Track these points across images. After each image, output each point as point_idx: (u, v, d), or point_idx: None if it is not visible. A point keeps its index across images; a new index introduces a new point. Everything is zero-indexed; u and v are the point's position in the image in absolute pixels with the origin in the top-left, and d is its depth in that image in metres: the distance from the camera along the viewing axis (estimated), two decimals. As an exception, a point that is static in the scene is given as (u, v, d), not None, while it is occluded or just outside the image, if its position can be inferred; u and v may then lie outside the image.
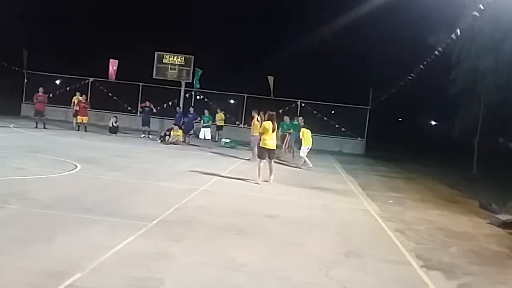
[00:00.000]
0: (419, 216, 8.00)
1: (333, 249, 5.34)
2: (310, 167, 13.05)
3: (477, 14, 10.27)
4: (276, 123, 10.19)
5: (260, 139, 10.09)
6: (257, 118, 13.37)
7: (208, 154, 15.07)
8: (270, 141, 9.90)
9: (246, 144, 18.10)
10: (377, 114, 23.94)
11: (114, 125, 18.89)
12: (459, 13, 14.01)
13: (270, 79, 23.01)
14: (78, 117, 18.65)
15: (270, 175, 9.92)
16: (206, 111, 19.71)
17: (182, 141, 17.56)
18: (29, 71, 24.28)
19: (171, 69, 22.28)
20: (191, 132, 19.34)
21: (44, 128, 17.68)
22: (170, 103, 22.94)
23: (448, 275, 4.82)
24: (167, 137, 17.35)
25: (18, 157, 9.72)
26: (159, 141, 17.49)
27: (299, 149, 15.62)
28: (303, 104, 23.14)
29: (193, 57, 22.35)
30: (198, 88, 23.27)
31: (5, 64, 22.27)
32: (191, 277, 4.01)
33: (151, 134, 19.17)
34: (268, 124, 9.85)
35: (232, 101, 26.60)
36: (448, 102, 22.10)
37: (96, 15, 35.95)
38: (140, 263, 4.14)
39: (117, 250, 4.41)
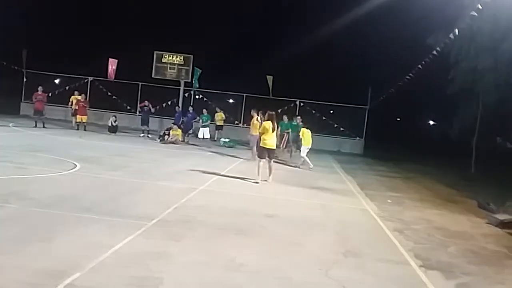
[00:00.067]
0: (417, 215, 8.02)
1: (332, 249, 5.35)
2: (311, 168, 13.06)
3: (475, 14, 10.29)
4: (276, 122, 10.23)
5: (260, 139, 10.12)
6: (257, 118, 13.39)
7: (207, 154, 15.08)
8: (270, 140, 9.94)
9: (245, 144, 18.12)
10: (375, 113, 23.97)
11: (114, 124, 18.89)
12: (458, 13, 14.02)
13: (269, 78, 23.02)
14: (78, 116, 18.65)
15: (269, 175, 9.95)
16: (204, 110, 19.71)
17: (181, 141, 17.56)
18: (28, 70, 24.26)
19: (170, 68, 22.30)
20: (190, 131, 19.34)
21: (44, 127, 17.68)
22: (169, 102, 22.92)
23: (447, 275, 4.84)
24: (166, 137, 17.34)
25: (18, 156, 9.72)
26: (158, 140, 17.50)
27: (297, 148, 15.69)
28: (302, 104, 23.15)
29: (192, 56, 22.37)
30: (197, 88, 23.27)
31: (5, 63, 22.26)
32: (190, 277, 4.02)
33: (150, 134, 19.17)
34: (268, 124, 9.88)
35: (231, 101, 26.60)
36: (447, 102, 22.14)
37: (96, 14, 35.95)
38: (140, 263, 4.14)
39: (116, 249, 4.42)
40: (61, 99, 21.89)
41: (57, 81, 25.56)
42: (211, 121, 20.33)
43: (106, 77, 22.92)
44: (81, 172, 8.72)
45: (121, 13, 36.04)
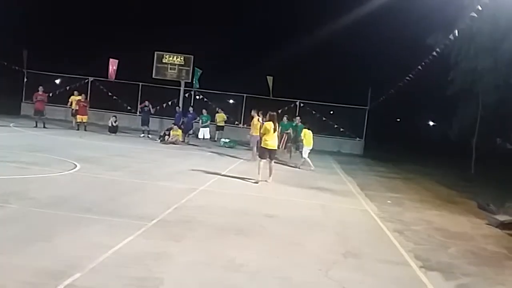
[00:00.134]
0: (417, 216, 8.03)
1: (332, 249, 5.36)
2: (312, 169, 13.05)
3: (475, 15, 10.29)
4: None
5: (261, 139, 10.14)
6: (258, 118, 13.41)
7: (208, 154, 15.08)
8: (271, 141, 9.97)
9: (246, 144, 18.13)
10: (375, 114, 23.96)
11: (114, 124, 18.90)
12: (458, 13, 14.03)
13: (269, 79, 23.02)
14: (78, 116, 18.66)
15: (270, 175, 9.97)
16: (204, 110, 19.71)
17: (182, 141, 17.57)
18: (29, 71, 24.26)
19: (170, 69, 22.31)
20: (191, 132, 19.35)
21: (44, 127, 17.68)
22: (169, 102, 22.93)
23: (447, 276, 4.84)
24: (166, 137, 17.35)
25: (18, 156, 9.72)
26: (159, 140, 17.50)
27: (296, 149, 15.72)
28: (302, 104, 23.14)
29: (192, 57, 22.38)
30: (197, 88, 23.27)
31: (5, 63, 22.26)
32: (190, 277, 4.02)
33: (151, 134, 19.18)
34: (269, 125, 9.91)
35: (231, 101, 26.60)
36: (447, 102, 22.14)
37: (96, 14, 35.98)
38: (140, 263, 4.15)
39: (116, 249, 4.42)
40: (62, 99, 21.89)
41: (57, 81, 25.57)
42: (212, 121, 20.35)
43: (107, 77, 22.91)
44: (81, 172, 8.72)
45: (121, 13, 36.13)
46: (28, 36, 29.17)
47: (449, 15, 15.08)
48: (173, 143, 16.91)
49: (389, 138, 33.39)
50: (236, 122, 23.73)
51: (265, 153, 9.97)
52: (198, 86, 23.04)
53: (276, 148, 10.31)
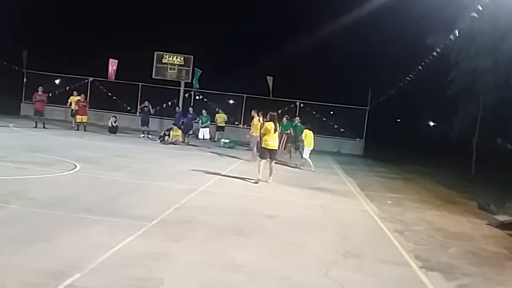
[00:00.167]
0: (417, 217, 8.02)
1: (332, 250, 5.35)
2: (312, 170, 13.04)
3: (475, 15, 10.29)
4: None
5: (262, 140, 10.15)
6: (258, 118, 13.40)
7: (207, 154, 15.08)
8: (272, 141, 9.98)
9: (246, 144, 18.12)
10: (376, 114, 23.95)
11: (114, 125, 18.89)
12: (458, 13, 14.03)
13: (269, 79, 23.01)
14: (78, 116, 18.65)
15: (270, 175, 9.97)
16: (204, 111, 19.70)
17: (182, 141, 17.56)
18: (28, 71, 24.24)
19: (170, 69, 22.29)
20: (191, 132, 19.34)
21: (44, 127, 17.67)
22: (169, 103, 22.91)
23: (447, 276, 4.84)
24: (166, 137, 17.35)
25: (18, 157, 9.72)
26: (159, 141, 17.49)
27: (296, 149, 15.71)
28: (302, 105, 23.13)
29: (192, 57, 22.36)
30: (197, 88, 23.27)
31: (5, 64, 22.25)
32: (190, 277, 4.02)
33: (151, 134, 19.17)
34: (270, 125, 9.92)
35: (231, 101, 26.60)
36: (447, 102, 22.14)
37: (96, 14, 36.00)
38: (140, 263, 4.14)
39: (116, 250, 4.42)
40: (61, 99, 21.88)
41: (57, 81, 25.56)
42: (212, 122, 20.33)
43: (106, 78, 22.90)
44: (81, 172, 8.71)
45: (121, 13, 36.14)
46: (28, 36, 29.20)
47: (450, 15, 15.09)
48: (173, 143, 16.90)
49: (389, 139, 33.38)
50: (236, 123, 23.72)
51: (265, 153, 9.98)
52: (198, 86, 23.04)
53: (276, 148, 10.33)
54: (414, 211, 8.53)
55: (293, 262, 4.74)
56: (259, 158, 10.14)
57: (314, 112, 22.77)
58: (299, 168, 13.36)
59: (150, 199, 7.08)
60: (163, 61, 22.29)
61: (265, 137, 9.96)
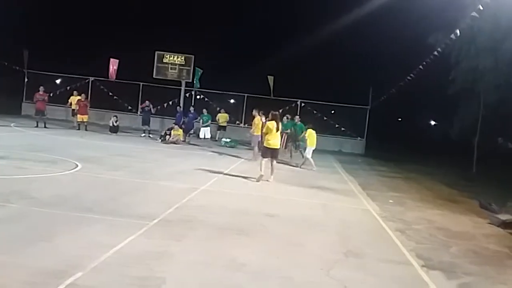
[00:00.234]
0: (419, 215, 8.02)
1: (333, 249, 5.35)
2: (314, 169, 13.02)
3: (476, 15, 10.28)
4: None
5: (263, 139, 10.16)
6: (260, 118, 13.40)
7: (209, 154, 15.08)
8: (274, 140, 10.00)
9: (247, 144, 18.12)
10: (377, 114, 23.94)
11: (115, 124, 18.90)
12: (459, 13, 14.01)
13: (270, 79, 23.00)
14: (79, 116, 18.65)
15: (271, 174, 9.98)
16: (204, 110, 19.70)
17: (183, 141, 17.56)
18: (29, 71, 24.28)
19: (171, 68, 22.28)
20: (192, 131, 19.35)
21: (45, 127, 17.68)
22: (170, 102, 22.95)
23: (449, 275, 4.84)
24: (167, 137, 17.35)
25: (19, 156, 9.72)
26: (160, 140, 17.50)
27: (296, 148, 15.71)
28: (303, 104, 23.13)
29: (193, 56, 22.34)
30: (198, 88, 23.27)
31: (6, 64, 22.26)
32: (191, 276, 4.02)
33: (152, 134, 19.19)
34: (272, 124, 9.95)
35: (232, 101, 26.59)
36: (448, 102, 22.12)
37: (96, 14, 36.01)
38: (141, 262, 4.14)
39: (118, 249, 4.42)
40: (62, 99, 21.87)
41: (58, 81, 25.57)
42: (213, 121, 20.33)
43: (107, 77, 22.90)
44: (83, 172, 8.72)
45: (121, 13, 36.14)
46: (28, 36, 29.20)
47: (450, 14, 15.08)
48: (174, 142, 16.90)
49: (390, 138, 33.34)
50: (237, 122, 23.73)
51: (267, 152, 10.01)
52: (198, 86, 23.03)
53: (278, 147, 10.35)
54: (415, 210, 8.52)
55: (294, 261, 4.74)
56: (261, 157, 10.15)
57: (315, 112, 22.75)
58: (300, 167, 13.35)
59: (151, 198, 7.08)
60: (164, 60, 22.28)
61: (267, 136, 9.99)
